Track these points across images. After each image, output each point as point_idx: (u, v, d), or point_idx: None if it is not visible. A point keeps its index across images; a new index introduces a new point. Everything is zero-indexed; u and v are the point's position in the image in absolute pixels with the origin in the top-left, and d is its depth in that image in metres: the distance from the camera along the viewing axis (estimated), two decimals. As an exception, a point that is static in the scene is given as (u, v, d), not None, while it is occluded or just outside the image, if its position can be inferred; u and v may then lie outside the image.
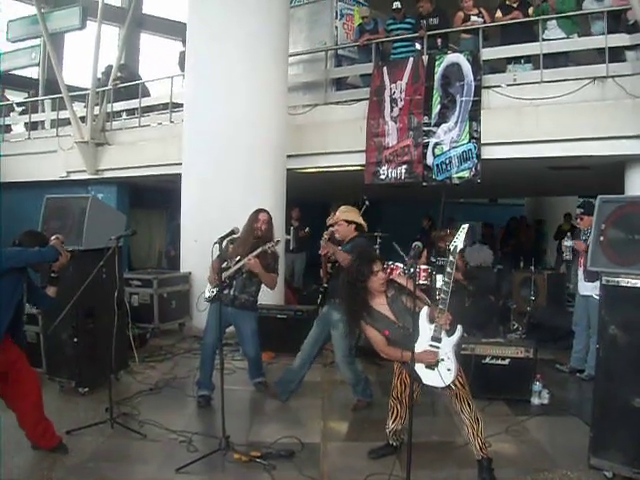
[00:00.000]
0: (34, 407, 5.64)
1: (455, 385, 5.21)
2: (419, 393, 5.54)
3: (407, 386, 5.45)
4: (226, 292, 7.21)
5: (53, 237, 6.00)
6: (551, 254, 18.88)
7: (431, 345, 5.20)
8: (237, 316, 7.32)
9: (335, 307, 6.94)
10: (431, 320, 5.24)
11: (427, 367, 5.23)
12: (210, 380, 7.30)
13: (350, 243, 6.97)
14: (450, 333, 5.23)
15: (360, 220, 7.09)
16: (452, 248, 5.16)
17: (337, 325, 6.96)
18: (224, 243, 6.43)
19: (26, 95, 19.74)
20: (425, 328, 5.24)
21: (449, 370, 5.20)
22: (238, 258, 7.15)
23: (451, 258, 5.18)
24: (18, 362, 5.58)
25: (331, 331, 7.14)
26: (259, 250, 6.94)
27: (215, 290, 7.27)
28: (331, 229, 7.15)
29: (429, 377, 5.25)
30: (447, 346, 5.20)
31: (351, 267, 5.53)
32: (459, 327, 5.26)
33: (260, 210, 7.50)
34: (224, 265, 7.07)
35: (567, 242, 8.69)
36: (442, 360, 5.19)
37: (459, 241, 5.17)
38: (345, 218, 7.02)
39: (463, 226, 5.28)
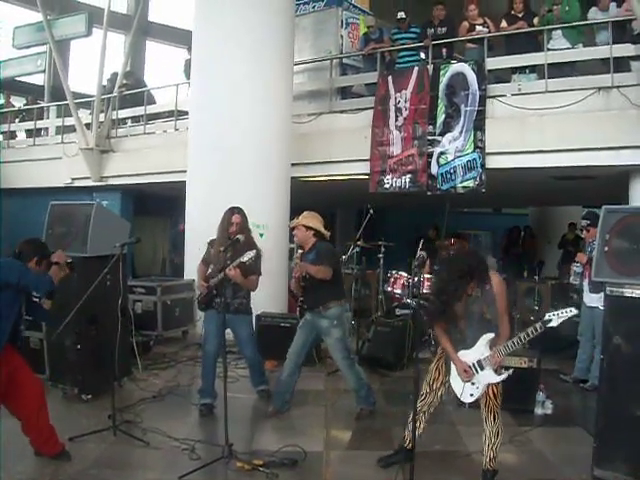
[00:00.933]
0: (38, 414, 5.64)
1: (488, 395, 5.21)
2: (443, 393, 5.53)
3: (440, 374, 5.49)
4: (218, 300, 7.20)
5: (56, 255, 6.00)
6: (552, 263, 18.81)
7: (474, 365, 5.16)
8: (233, 321, 7.28)
9: (321, 315, 6.96)
10: (490, 347, 5.17)
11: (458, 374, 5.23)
12: (213, 388, 7.30)
13: (313, 250, 6.99)
14: (496, 372, 5.15)
15: (320, 228, 7.05)
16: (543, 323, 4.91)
17: (329, 332, 6.97)
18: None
19: (25, 101, 19.79)
20: (480, 348, 5.17)
21: (471, 395, 5.19)
22: (222, 266, 7.08)
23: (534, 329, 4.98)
24: (21, 370, 5.59)
25: (324, 338, 7.16)
26: (237, 262, 6.83)
27: (206, 296, 7.34)
28: (300, 251, 7.16)
29: (456, 381, 5.27)
30: (484, 378, 5.14)
31: (446, 286, 5.23)
32: (506, 373, 5.17)
33: (233, 210, 7.47)
34: (209, 272, 7.11)
35: (577, 269, 8.63)
36: (472, 384, 5.17)
37: (555, 320, 4.90)
38: (304, 223, 7.02)
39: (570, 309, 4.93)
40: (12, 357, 5.52)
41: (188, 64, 13.26)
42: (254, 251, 6.63)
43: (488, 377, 5.14)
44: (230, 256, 6.80)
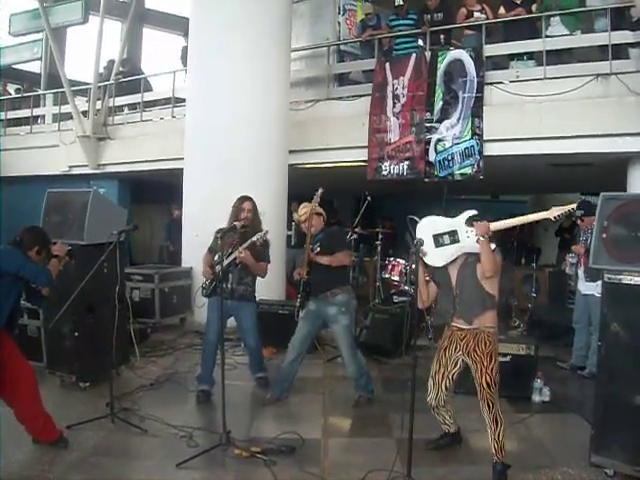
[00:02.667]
0: (31, 401, 5.64)
1: (481, 384, 5.23)
2: (448, 384, 5.60)
3: (441, 366, 5.58)
4: (223, 285, 7.20)
5: (56, 247, 6.00)
6: (552, 251, 18.81)
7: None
8: (236, 308, 7.32)
9: (328, 302, 6.96)
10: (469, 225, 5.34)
11: (437, 246, 5.40)
12: (211, 375, 7.30)
13: (321, 233, 7.04)
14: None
15: (322, 211, 7.14)
16: None
17: (337, 319, 6.97)
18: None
19: (20, 88, 19.72)
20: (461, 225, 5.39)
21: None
22: (230, 251, 7.12)
23: None
24: (14, 357, 5.59)
25: (331, 326, 7.14)
26: (249, 242, 6.89)
27: (210, 283, 7.31)
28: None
29: (442, 257, 5.45)
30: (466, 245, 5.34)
31: None
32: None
33: (244, 198, 7.45)
34: (216, 258, 7.08)
35: (572, 260, 8.67)
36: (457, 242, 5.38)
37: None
38: (317, 211, 7.03)
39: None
40: (6, 344, 5.52)
41: (185, 51, 13.22)
42: (264, 231, 6.67)
43: (468, 245, 5.35)
44: (239, 242, 6.86)
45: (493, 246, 5.21)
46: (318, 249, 6.98)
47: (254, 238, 6.83)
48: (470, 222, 5.31)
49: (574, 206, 5.16)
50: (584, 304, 8.40)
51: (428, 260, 5.42)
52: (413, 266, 5.15)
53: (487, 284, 5.28)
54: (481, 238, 5.13)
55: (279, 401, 7.24)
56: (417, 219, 5.61)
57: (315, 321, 7.17)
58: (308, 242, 6.99)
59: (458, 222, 5.39)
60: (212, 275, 7.26)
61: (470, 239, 5.29)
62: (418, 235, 5.44)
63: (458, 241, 5.35)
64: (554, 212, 5.14)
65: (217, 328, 7.01)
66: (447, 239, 5.38)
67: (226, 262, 7.03)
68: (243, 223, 7.04)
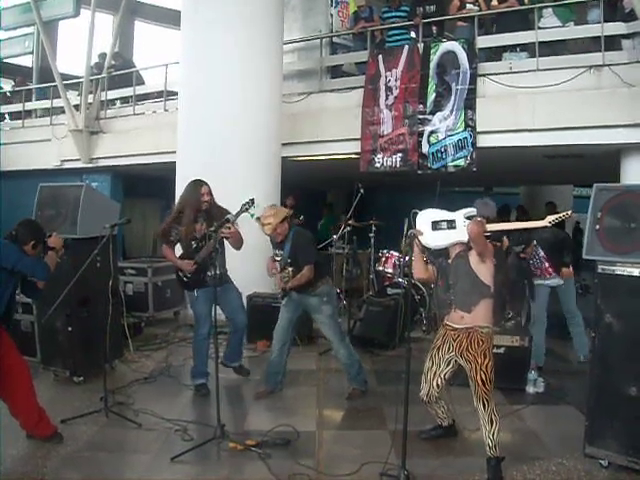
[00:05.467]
0: (26, 397, 5.65)
1: (477, 381, 5.23)
2: (439, 383, 5.60)
3: (434, 364, 5.60)
4: (211, 273, 7.17)
5: (52, 239, 5.99)
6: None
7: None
8: (224, 292, 7.26)
9: (309, 293, 6.99)
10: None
11: (434, 229, 5.44)
12: (206, 369, 7.33)
13: (287, 241, 6.97)
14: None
15: (286, 213, 7.05)
16: None
17: (319, 309, 7.01)
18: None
19: (12, 82, 19.66)
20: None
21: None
22: (208, 236, 6.93)
23: None
24: (9, 352, 5.58)
25: (314, 316, 7.19)
26: (237, 215, 6.72)
27: (190, 276, 7.28)
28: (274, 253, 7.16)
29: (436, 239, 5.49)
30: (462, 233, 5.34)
31: None
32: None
33: (200, 183, 7.33)
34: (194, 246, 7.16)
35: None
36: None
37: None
38: (279, 220, 6.88)
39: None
40: (2, 339, 5.51)
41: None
42: (248, 201, 6.61)
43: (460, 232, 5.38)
44: (206, 227, 6.88)
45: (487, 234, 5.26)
46: (289, 260, 6.93)
47: (236, 217, 6.65)
48: (469, 217, 5.34)
49: (569, 212, 5.16)
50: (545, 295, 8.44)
51: (423, 240, 5.44)
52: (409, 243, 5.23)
53: (481, 272, 5.28)
54: (471, 236, 5.15)
55: (273, 393, 7.25)
56: (419, 212, 5.64)
57: (295, 310, 7.18)
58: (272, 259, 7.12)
59: (457, 215, 5.41)
60: (194, 266, 7.21)
61: (466, 229, 5.31)
62: (418, 223, 5.48)
63: (454, 228, 5.37)
64: (549, 219, 5.16)
65: (208, 321, 7.08)
66: (444, 225, 5.42)
67: (208, 248, 6.95)
68: (204, 206, 7.15)
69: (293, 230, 7.03)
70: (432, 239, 5.47)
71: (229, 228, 6.67)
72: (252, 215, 6.97)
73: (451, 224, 5.42)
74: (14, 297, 5.79)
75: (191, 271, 7.24)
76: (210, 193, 7.28)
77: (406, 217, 5.80)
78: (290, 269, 6.91)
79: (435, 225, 5.46)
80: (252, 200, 6.70)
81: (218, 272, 6.98)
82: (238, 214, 6.69)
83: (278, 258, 7.05)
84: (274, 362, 7.27)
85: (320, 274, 7.06)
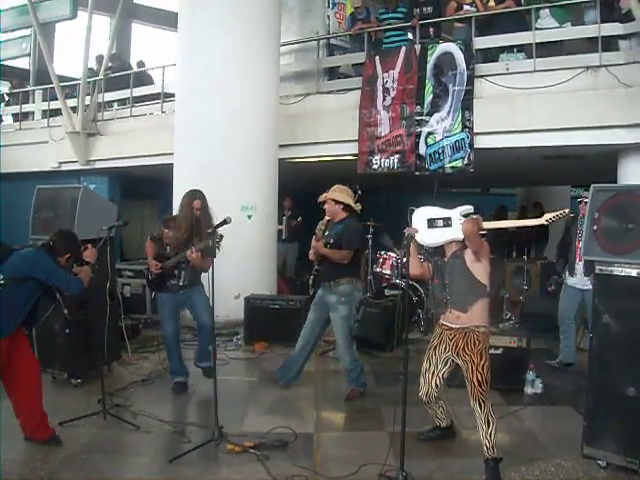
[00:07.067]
0: (32, 397, 5.67)
1: (472, 382, 5.23)
2: (438, 382, 5.61)
3: (431, 365, 5.60)
4: (174, 282, 7.23)
5: (88, 253, 6.02)
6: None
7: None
8: (189, 295, 7.31)
9: (330, 290, 6.98)
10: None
11: (430, 227, 5.45)
12: (182, 366, 7.43)
13: (340, 224, 7.01)
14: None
15: (349, 201, 7.07)
16: None
17: (335, 308, 6.99)
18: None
19: (9, 85, 19.63)
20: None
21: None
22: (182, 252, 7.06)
23: None
24: (24, 352, 5.63)
25: (330, 314, 7.12)
26: (202, 245, 6.83)
27: (156, 278, 7.31)
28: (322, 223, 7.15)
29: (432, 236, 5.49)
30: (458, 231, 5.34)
31: None
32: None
33: (194, 195, 7.28)
34: (168, 252, 7.21)
35: None
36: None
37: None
38: (333, 197, 7.04)
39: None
40: (19, 340, 5.56)
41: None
42: (219, 235, 6.53)
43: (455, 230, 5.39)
44: (188, 239, 6.99)
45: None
46: (332, 240, 6.98)
47: (209, 241, 6.43)
48: (466, 215, 5.34)
49: (567, 211, 5.15)
50: (575, 298, 8.32)
51: (419, 238, 5.44)
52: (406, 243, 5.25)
53: (477, 271, 5.28)
54: (466, 234, 5.15)
55: (280, 384, 7.37)
56: (415, 209, 5.64)
57: (322, 309, 7.18)
58: (321, 231, 7.12)
59: (453, 212, 5.42)
60: (159, 269, 7.24)
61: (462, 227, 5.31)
62: (414, 220, 5.49)
63: (450, 226, 5.38)
64: (547, 216, 5.15)
65: (171, 322, 7.30)
66: (440, 223, 5.42)
67: (174, 260, 7.09)
68: (194, 221, 7.14)
69: (350, 218, 7.07)
70: (428, 237, 5.47)
71: (192, 253, 6.79)
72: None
73: (447, 222, 5.42)
74: (38, 304, 5.78)
75: (155, 273, 7.30)
76: (202, 206, 7.23)
77: (404, 218, 5.79)
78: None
79: (431, 223, 5.46)
80: (225, 220, 6.51)
81: (180, 283, 7.02)
82: (205, 242, 6.71)
83: (331, 240, 7.03)
84: (292, 357, 7.37)
85: (349, 272, 7.03)
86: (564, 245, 8.64)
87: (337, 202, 7.01)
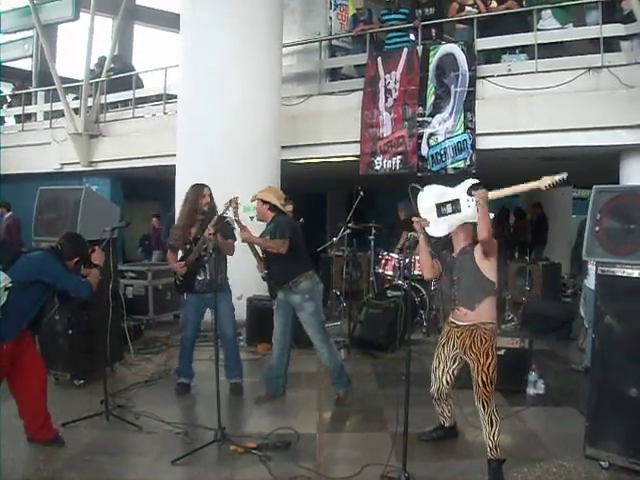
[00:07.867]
0: (37, 398, 5.68)
1: (477, 383, 5.23)
2: (448, 379, 5.63)
3: (441, 362, 5.61)
4: (201, 278, 7.21)
5: (96, 256, 6.01)
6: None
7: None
8: (217, 299, 7.24)
9: (292, 291, 6.92)
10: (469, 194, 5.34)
11: (439, 215, 5.45)
12: (190, 369, 7.43)
13: (272, 223, 6.97)
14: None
15: (274, 201, 7.01)
16: None
17: (302, 307, 6.93)
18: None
19: (12, 86, 19.65)
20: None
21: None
22: (200, 239, 7.03)
23: None
24: (30, 354, 5.66)
25: (298, 314, 7.05)
26: (215, 219, 6.75)
27: (182, 278, 7.31)
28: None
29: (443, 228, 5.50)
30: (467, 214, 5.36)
31: None
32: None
33: (201, 185, 7.37)
34: (180, 253, 7.24)
35: None
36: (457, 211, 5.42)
37: None
38: (260, 197, 7.03)
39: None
40: (26, 342, 5.58)
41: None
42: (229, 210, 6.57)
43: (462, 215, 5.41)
44: (199, 230, 7.02)
45: (492, 215, 5.24)
46: (267, 237, 6.96)
47: (222, 214, 6.70)
48: (470, 192, 5.30)
49: (564, 175, 5.11)
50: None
51: (430, 231, 5.44)
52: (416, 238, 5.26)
53: (485, 268, 5.27)
54: (480, 202, 5.10)
55: (275, 398, 7.22)
56: (419, 187, 5.60)
57: (287, 312, 7.10)
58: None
59: (459, 192, 5.39)
60: (183, 267, 7.23)
61: (471, 209, 5.27)
62: (420, 203, 5.50)
63: (460, 211, 5.36)
64: (545, 181, 5.12)
65: (194, 326, 7.28)
66: (449, 208, 5.40)
67: (196, 251, 7.06)
68: (204, 209, 7.18)
69: (280, 216, 7.02)
70: (440, 229, 5.47)
71: (209, 231, 6.65)
72: (252, 218, 6.99)
73: (456, 206, 5.38)
74: (45, 307, 5.80)
75: (182, 273, 7.27)
76: (211, 196, 7.29)
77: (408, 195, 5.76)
78: None
79: (440, 210, 5.43)
80: (232, 200, 6.67)
81: (207, 277, 6.99)
82: (217, 218, 6.75)
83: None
84: (274, 367, 7.25)
85: (301, 268, 6.97)
86: (578, 248, 8.59)
87: (264, 202, 7.00)
